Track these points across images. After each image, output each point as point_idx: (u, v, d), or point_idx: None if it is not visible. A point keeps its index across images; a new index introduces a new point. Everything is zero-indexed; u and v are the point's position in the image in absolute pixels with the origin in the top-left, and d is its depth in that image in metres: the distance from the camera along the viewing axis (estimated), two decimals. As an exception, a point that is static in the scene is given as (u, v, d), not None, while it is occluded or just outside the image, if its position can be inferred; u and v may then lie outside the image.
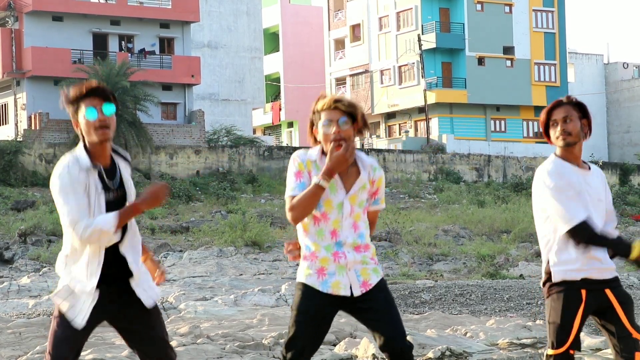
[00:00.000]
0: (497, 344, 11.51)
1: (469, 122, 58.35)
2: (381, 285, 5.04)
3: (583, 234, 4.95)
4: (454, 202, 43.26)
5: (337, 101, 4.89)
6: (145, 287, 4.90)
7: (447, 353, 10.24)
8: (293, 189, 4.90)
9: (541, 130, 5.21)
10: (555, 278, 5.10)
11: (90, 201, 4.68)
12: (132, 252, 4.85)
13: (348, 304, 5.00)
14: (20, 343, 11.23)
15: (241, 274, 23.85)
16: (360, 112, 4.93)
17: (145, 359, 4.99)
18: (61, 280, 4.89)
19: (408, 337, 5.02)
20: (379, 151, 51.99)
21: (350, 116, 4.90)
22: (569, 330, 5.02)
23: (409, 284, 20.98)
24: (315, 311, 4.95)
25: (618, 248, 4.97)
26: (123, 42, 50.47)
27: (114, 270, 4.82)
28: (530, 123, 60.29)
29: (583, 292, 5.03)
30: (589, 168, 5.16)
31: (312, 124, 5.01)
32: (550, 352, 5.06)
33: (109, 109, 4.71)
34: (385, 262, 27.26)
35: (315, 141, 5.01)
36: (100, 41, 49.67)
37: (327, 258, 4.94)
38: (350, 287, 4.95)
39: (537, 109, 60.32)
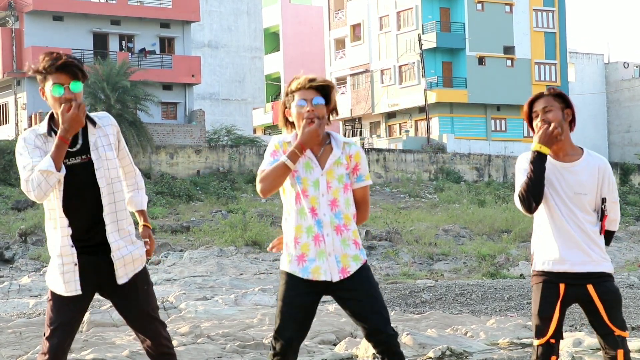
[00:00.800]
0: (498, 344, 11.52)
1: (469, 122, 58.36)
2: (363, 272, 5.03)
3: (521, 196, 5.01)
4: (455, 202, 43.26)
5: (311, 80, 4.96)
6: (126, 261, 4.88)
7: (448, 353, 10.25)
8: (265, 164, 4.97)
9: (526, 122, 5.26)
10: (535, 266, 5.18)
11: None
12: (112, 220, 4.84)
13: (330, 290, 5.01)
14: (21, 343, 11.24)
15: (241, 274, 23.86)
16: (334, 92, 4.99)
17: (138, 335, 5.02)
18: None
19: (399, 329, 5.05)
20: (379, 151, 51.99)
21: (325, 96, 4.95)
22: (548, 322, 5.08)
23: (410, 283, 20.99)
24: (299, 300, 4.98)
25: (530, 163, 5.02)
26: (123, 42, 50.48)
27: (95, 241, 4.83)
28: (531, 123, 60.35)
29: (562, 285, 5.07)
30: (578, 159, 5.11)
31: (284, 106, 5.03)
32: (536, 342, 5.15)
33: (76, 86, 4.73)
34: (385, 261, 27.26)
35: (287, 123, 5.04)
36: (100, 41, 49.68)
37: (308, 243, 4.97)
38: (330, 273, 4.98)
39: (538, 109, 60.37)
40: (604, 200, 5.13)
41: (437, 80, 58.10)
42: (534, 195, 5.00)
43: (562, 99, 5.13)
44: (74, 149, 4.75)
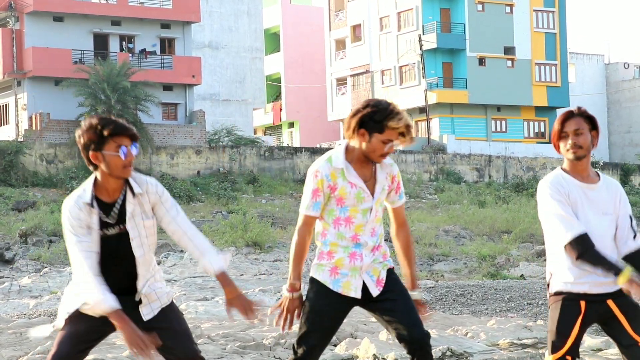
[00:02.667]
0: (498, 344, 11.51)
1: (469, 123, 58.35)
2: (392, 276, 5.07)
3: (579, 248, 4.92)
4: (455, 203, 43.25)
5: (407, 127, 4.98)
6: (150, 299, 4.96)
7: (448, 353, 10.23)
8: (307, 207, 4.93)
9: (553, 140, 5.15)
10: (552, 289, 5.12)
11: (92, 237, 4.76)
12: (145, 283, 4.92)
13: (362, 301, 5.02)
14: (21, 343, 11.23)
15: (242, 275, 23.85)
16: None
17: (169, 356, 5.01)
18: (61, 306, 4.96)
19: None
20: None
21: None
22: (565, 339, 5.03)
23: (410, 284, 20.96)
24: (328, 310, 4.97)
25: (609, 271, 4.89)
26: (124, 43, 50.47)
27: (125, 286, 4.90)
28: (531, 123, 60.29)
29: (582, 303, 5.03)
30: (598, 180, 5.12)
31: (360, 121, 4.88)
32: (549, 357, 5.07)
33: (136, 149, 4.76)
34: (386, 262, 27.27)
35: (356, 133, 4.90)
36: (101, 41, 49.67)
37: (343, 258, 4.97)
38: (364, 289, 4.98)
39: (538, 109, 60.33)
40: (631, 218, 5.14)
41: (437, 80, 58.10)
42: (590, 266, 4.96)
43: (590, 120, 5.10)
44: (113, 221, 4.78)
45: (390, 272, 5.08)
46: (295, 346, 5.05)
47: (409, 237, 5.18)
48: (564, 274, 5.06)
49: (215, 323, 13.54)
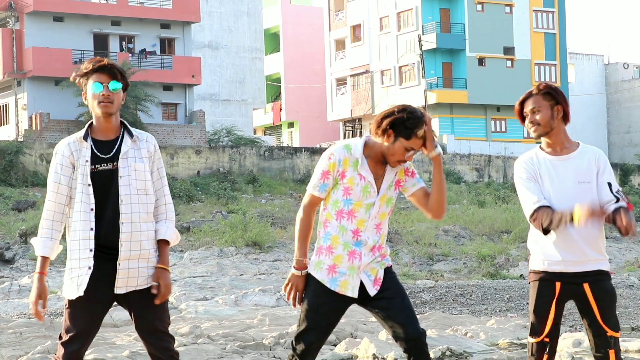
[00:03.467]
0: (498, 344, 11.51)
1: (469, 123, 58.37)
2: (388, 276, 5.10)
3: (536, 221, 5.02)
4: (455, 203, 43.24)
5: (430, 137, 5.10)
6: (130, 274, 4.92)
7: (448, 353, 10.24)
8: (314, 187, 5.02)
9: (520, 121, 5.30)
10: (531, 266, 5.22)
11: (78, 171, 4.89)
12: (128, 230, 4.90)
13: (359, 300, 5.07)
14: (21, 343, 11.23)
15: (242, 274, 23.85)
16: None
17: (145, 345, 5.04)
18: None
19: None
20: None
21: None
22: (544, 321, 5.10)
23: (410, 284, 20.98)
24: (326, 308, 5.03)
25: (565, 221, 4.93)
26: (124, 43, 50.48)
27: (115, 246, 4.91)
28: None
29: (557, 284, 5.09)
30: (574, 150, 5.14)
31: (392, 126, 5.03)
32: (531, 340, 5.16)
33: (115, 85, 4.90)
34: (385, 262, 27.27)
35: (386, 135, 4.99)
36: (101, 41, 49.68)
37: (342, 256, 5.01)
38: (362, 288, 5.03)
39: (538, 110, 60.40)
40: (610, 185, 5.12)
41: (437, 81, 58.11)
42: (553, 229, 5.02)
43: (551, 96, 5.17)
44: (106, 156, 4.91)
45: (388, 271, 5.12)
46: (294, 343, 5.11)
47: (442, 208, 5.22)
48: (541, 253, 5.13)
49: (215, 323, 13.55)
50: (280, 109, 66.63)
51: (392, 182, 5.07)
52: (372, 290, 5.02)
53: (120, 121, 4.98)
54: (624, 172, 56.19)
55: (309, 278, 5.06)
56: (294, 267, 5.04)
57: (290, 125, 67.35)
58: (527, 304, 17.37)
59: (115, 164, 4.90)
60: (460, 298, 18.01)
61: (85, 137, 4.92)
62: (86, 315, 4.92)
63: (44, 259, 4.95)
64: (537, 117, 5.15)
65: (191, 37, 52.97)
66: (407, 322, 4.98)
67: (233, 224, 30.70)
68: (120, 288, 4.91)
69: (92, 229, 4.87)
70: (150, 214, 4.97)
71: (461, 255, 28.82)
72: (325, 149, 54.89)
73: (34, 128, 46.09)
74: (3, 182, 41.80)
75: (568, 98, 61.41)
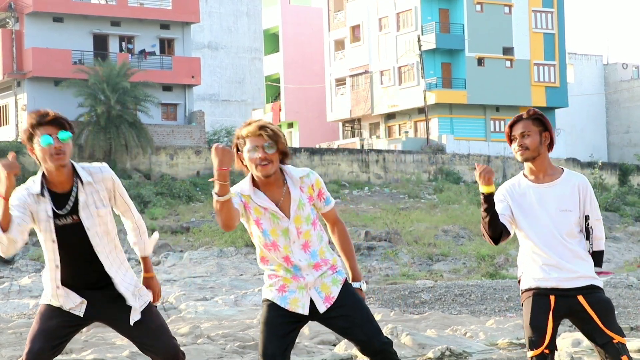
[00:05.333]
0: (497, 344, 11.52)
1: (468, 123, 58.37)
2: (345, 291, 5.06)
3: (485, 236, 5.18)
4: (454, 203, 43.26)
5: (261, 128, 4.91)
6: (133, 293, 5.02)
7: (447, 353, 10.25)
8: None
9: (508, 143, 5.30)
10: (523, 286, 5.22)
11: (41, 227, 4.83)
12: (116, 270, 4.96)
13: (316, 317, 5.05)
14: (21, 343, 11.24)
15: (241, 274, 23.86)
16: (282, 139, 4.95)
17: (152, 355, 5.05)
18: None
19: (389, 335, 5.05)
20: (378, 151, 52.00)
21: (275, 141, 4.92)
22: (541, 332, 5.07)
23: (409, 284, 20.99)
24: (278, 324, 5.00)
25: (482, 201, 5.10)
26: (123, 43, 50.47)
27: (99, 285, 4.96)
28: (530, 123, 60.31)
29: (552, 297, 5.08)
30: (557, 178, 5.17)
31: (237, 148, 5.00)
32: (530, 354, 5.12)
33: (64, 135, 4.80)
34: (385, 262, 27.26)
35: (242, 164, 5.01)
36: (100, 42, 49.67)
37: (288, 279, 5.01)
38: (312, 305, 5.00)
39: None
40: (587, 218, 5.14)
41: (436, 81, 58.10)
42: (491, 234, 5.11)
43: (540, 122, 5.20)
44: (63, 212, 4.84)
45: (344, 287, 5.07)
46: (260, 357, 5.05)
47: (344, 232, 5.17)
48: (533, 272, 5.15)
49: (215, 323, 13.56)
50: (280, 109, 66.63)
51: (303, 201, 4.98)
52: (322, 308, 4.99)
53: (71, 163, 4.87)
54: (622, 172, 56.18)
55: (262, 301, 5.10)
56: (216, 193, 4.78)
57: (290, 125, 67.36)
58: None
59: (76, 217, 4.85)
60: (460, 298, 18.02)
61: (42, 193, 4.84)
62: (55, 318, 4.94)
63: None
64: (527, 141, 5.15)
65: (191, 37, 52.96)
66: (370, 336, 4.96)
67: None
68: (136, 316, 5.00)
69: (57, 287, 4.90)
70: (115, 250, 5.00)
71: (460, 255, 28.83)
72: (325, 149, 54.67)
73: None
74: (3, 182, 41.77)
75: (567, 98, 61.43)
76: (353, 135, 62.99)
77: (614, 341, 5.05)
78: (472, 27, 58.36)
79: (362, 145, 56.37)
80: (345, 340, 11.02)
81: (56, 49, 47.70)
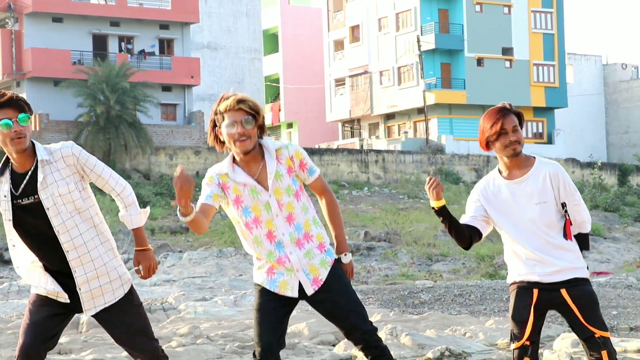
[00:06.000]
0: (496, 344, 11.51)
1: (468, 123, 58.36)
2: (333, 272, 5.04)
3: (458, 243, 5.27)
4: (453, 203, 43.25)
5: (240, 102, 4.87)
6: (94, 294, 4.91)
7: (447, 353, 10.24)
8: (201, 196, 5.07)
9: (487, 138, 5.18)
10: (509, 280, 5.25)
11: (1, 206, 4.81)
12: (75, 256, 4.87)
13: (304, 298, 5.04)
14: (21, 343, 11.23)
15: (241, 275, 23.85)
16: (262, 112, 4.95)
17: (133, 355, 5.02)
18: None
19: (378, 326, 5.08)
20: (378, 152, 52.00)
21: (253, 116, 4.89)
22: (524, 326, 5.09)
23: (408, 284, 20.99)
24: (270, 310, 5.00)
25: (439, 216, 5.19)
26: (123, 43, 50.47)
27: (68, 270, 4.89)
28: (529, 124, 60.31)
29: (535, 291, 5.09)
30: (528, 171, 5.12)
31: (214, 124, 4.99)
32: (513, 346, 5.16)
33: (24, 118, 4.74)
34: (384, 262, 27.27)
35: (217, 141, 5.01)
36: (100, 42, 49.67)
37: (273, 264, 4.99)
38: (301, 287, 4.99)
39: (536, 110, 60.36)
40: (564, 205, 5.10)
41: (435, 81, 58.11)
42: (460, 243, 5.21)
43: (519, 117, 5.20)
44: (19, 192, 4.78)
45: (332, 269, 5.04)
46: (255, 348, 5.05)
47: (332, 202, 5.10)
48: (517, 267, 5.17)
49: (214, 323, 13.55)
50: (279, 110, 66.63)
51: (280, 172, 4.92)
52: (310, 290, 4.98)
53: (32, 143, 4.83)
54: (622, 172, 56.19)
55: (254, 288, 5.10)
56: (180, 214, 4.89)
57: (289, 125, 67.35)
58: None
59: (36, 196, 4.78)
60: (459, 298, 18.01)
61: (2, 172, 4.81)
62: (44, 308, 4.90)
63: None
64: (519, 135, 5.11)
65: (190, 37, 52.96)
66: (355, 323, 4.98)
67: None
68: (89, 310, 4.90)
69: (33, 261, 4.86)
70: (92, 228, 4.90)
71: (460, 256, 28.83)
72: (324, 149, 54.68)
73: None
74: (2, 182, 41.81)
75: (566, 99, 61.42)
76: (352, 136, 62.99)
77: (596, 335, 5.04)
78: (472, 27, 58.37)
79: (362, 146, 56.36)
80: (344, 340, 11.02)
81: (55, 49, 47.70)
